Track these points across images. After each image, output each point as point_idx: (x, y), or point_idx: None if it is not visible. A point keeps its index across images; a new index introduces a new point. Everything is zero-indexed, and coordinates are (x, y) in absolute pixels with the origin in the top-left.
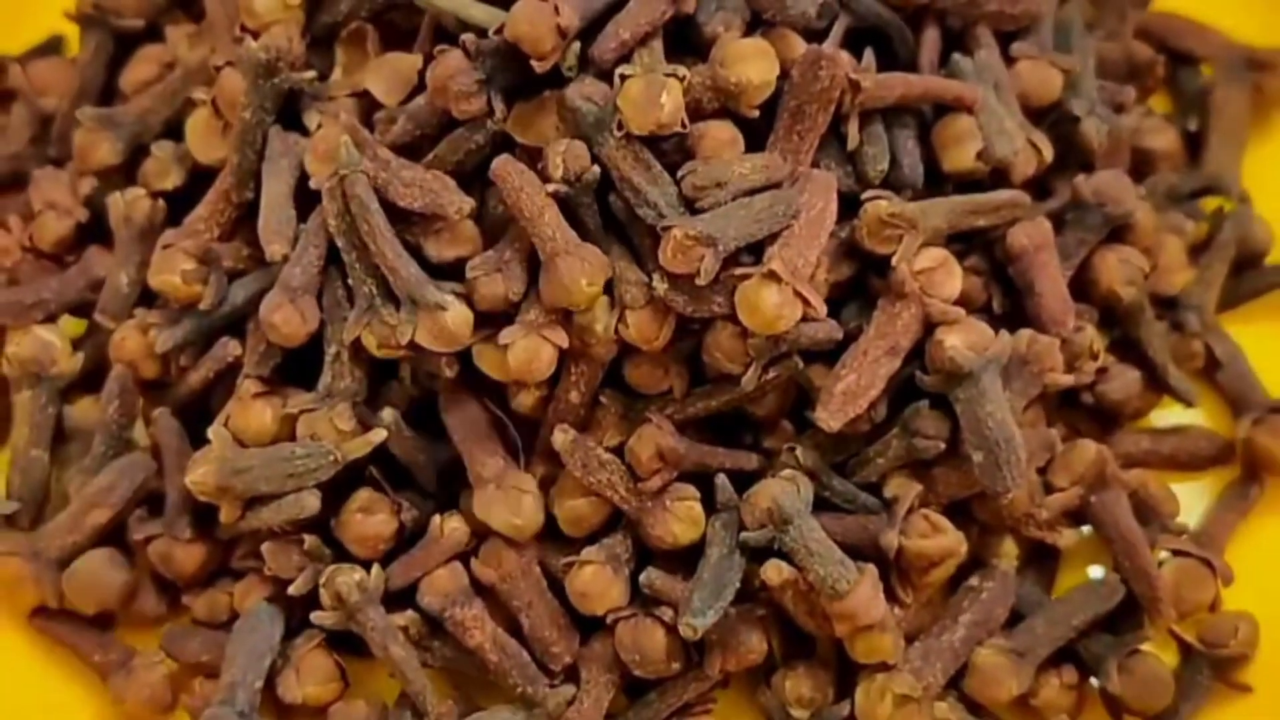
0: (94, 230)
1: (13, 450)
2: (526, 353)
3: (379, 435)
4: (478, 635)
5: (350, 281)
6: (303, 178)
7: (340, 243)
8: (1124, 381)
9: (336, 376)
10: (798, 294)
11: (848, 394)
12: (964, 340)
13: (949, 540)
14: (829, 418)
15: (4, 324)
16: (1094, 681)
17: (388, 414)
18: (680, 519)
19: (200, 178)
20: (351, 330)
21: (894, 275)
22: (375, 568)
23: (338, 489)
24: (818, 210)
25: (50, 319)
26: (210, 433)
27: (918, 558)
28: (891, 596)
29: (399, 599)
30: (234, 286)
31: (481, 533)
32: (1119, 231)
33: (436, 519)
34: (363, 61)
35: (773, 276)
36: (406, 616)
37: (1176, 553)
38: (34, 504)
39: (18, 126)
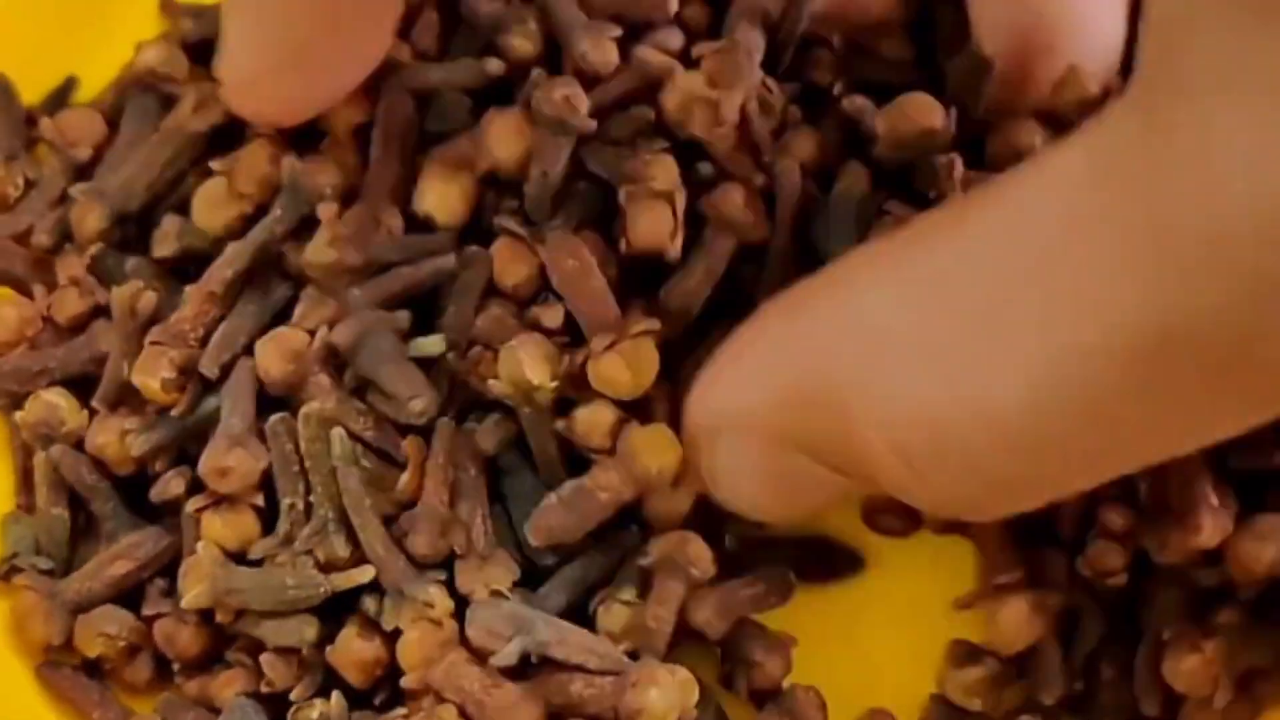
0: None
1: (37, 512)
2: None
3: (366, 574)
4: None
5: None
6: None
7: (309, 464)
8: None
9: (295, 524)
10: None
11: None
12: None
13: None
14: None
15: (13, 391)
16: None
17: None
18: None
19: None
20: (307, 544)
21: None
22: (335, 698)
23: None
24: None
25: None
26: (199, 548)
27: None
28: None
29: None
30: (208, 398)
31: None
32: None
33: None
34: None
35: None
36: None
37: None
38: (62, 561)
39: (51, 179)
